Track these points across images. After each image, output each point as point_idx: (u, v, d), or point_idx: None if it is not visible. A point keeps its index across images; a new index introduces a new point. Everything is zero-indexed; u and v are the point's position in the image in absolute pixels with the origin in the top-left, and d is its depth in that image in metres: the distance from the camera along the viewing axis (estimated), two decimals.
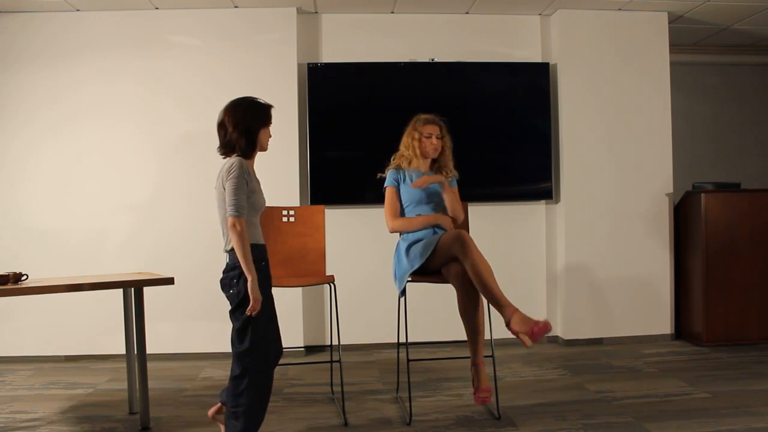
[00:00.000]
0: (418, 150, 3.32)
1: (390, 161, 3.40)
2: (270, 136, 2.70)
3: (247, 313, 2.47)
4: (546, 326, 2.76)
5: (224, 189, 2.51)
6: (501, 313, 2.87)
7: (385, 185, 3.35)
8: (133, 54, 4.49)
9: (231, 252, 2.55)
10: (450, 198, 3.27)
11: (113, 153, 4.49)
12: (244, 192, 2.50)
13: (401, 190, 3.32)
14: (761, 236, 4.54)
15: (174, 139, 4.51)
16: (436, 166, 3.38)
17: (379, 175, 3.39)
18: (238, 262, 2.50)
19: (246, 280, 2.48)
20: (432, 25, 4.76)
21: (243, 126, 2.57)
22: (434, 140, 3.31)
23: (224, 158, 2.64)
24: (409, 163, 3.34)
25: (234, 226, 2.46)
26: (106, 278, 3.16)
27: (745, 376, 3.75)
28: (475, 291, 2.96)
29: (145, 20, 4.50)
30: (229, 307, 2.56)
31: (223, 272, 2.59)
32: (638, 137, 4.73)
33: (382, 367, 4.18)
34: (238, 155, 2.57)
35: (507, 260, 4.69)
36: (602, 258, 4.69)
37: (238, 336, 2.54)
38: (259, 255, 2.57)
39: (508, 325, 2.84)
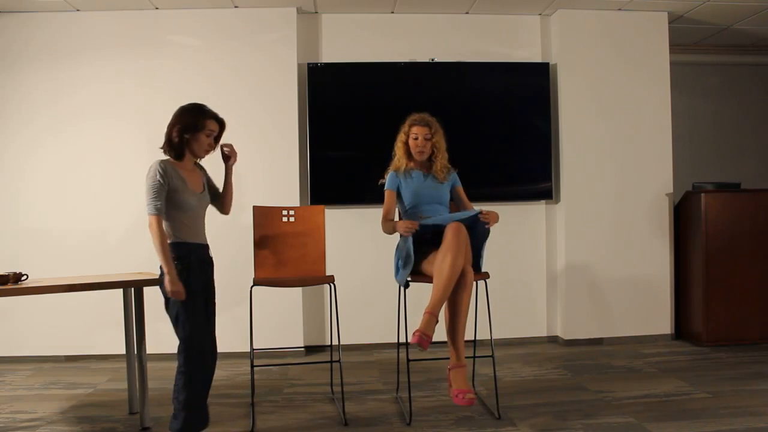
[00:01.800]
0: (403, 151, 3.32)
1: (389, 164, 3.40)
2: (209, 146, 2.75)
3: (169, 294, 2.59)
4: (471, 402, 2.80)
5: None
6: (452, 356, 2.92)
7: (385, 187, 3.34)
8: (133, 54, 4.50)
9: None
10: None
11: (113, 153, 4.49)
12: (158, 191, 2.58)
13: (403, 192, 3.31)
14: (761, 236, 4.54)
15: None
16: (429, 167, 3.35)
17: (380, 181, 3.38)
18: None
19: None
20: (432, 25, 4.76)
21: (172, 129, 2.68)
22: (420, 141, 3.27)
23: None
24: (402, 166, 3.32)
25: (149, 224, 2.58)
26: (106, 278, 3.16)
27: (745, 376, 3.75)
28: (455, 293, 2.93)
29: (145, 20, 4.50)
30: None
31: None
32: (638, 137, 4.73)
33: (382, 367, 4.18)
34: (166, 154, 2.71)
35: (507, 260, 4.70)
36: (602, 258, 4.69)
37: (175, 331, 2.69)
38: (183, 252, 2.66)
39: (449, 370, 2.93)
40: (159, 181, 2.59)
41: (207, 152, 2.77)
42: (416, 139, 3.28)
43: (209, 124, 2.71)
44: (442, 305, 2.89)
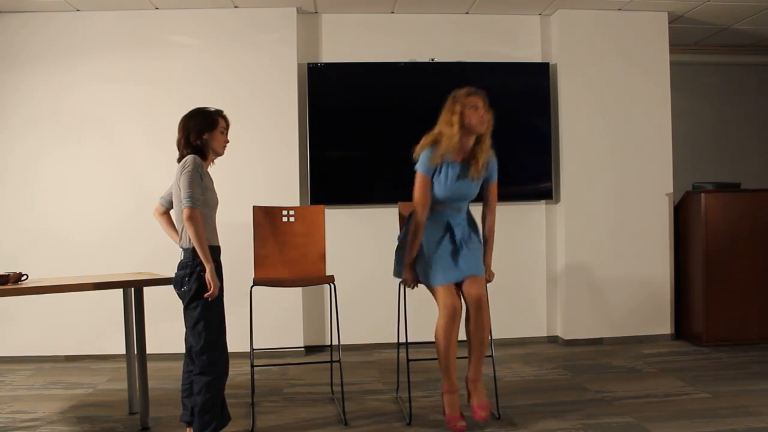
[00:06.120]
0: (458, 126, 2.87)
1: (422, 141, 2.99)
2: (225, 141, 2.80)
3: (206, 296, 2.56)
4: (485, 418, 2.91)
5: (179, 185, 2.61)
6: (471, 370, 3.00)
7: (418, 169, 2.97)
8: (133, 54, 4.50)
9: (186, 250, 2.65)
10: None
11: (113, 153, 4.49)
12: (199, 186, 2.60)
13: (434, 183, 2.98)
14: (761, 236, 4.54)
15: (174, 138, 4.50)
16: (472, 153, 2.97)
17: (414, 155, 3.00)
18: (191, 260, 2.61)
19: (198, 277, 2.59)
20: (432, 25, 4.76)
21: (188, 134, 2.71)
22: (482, 111, 2.87)
23: None
24: (454, 143, 2.90)
25: (190, 216, 2.55)
26: (106, 278, 3.16)
27: (745, 376, 3.75)
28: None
29: (145, 20, 4.50)
30: (182, 305, 2.65)
31: (177, 269, 2.69)
32: (638, 137, 4.73)
33: (382, 367, 4.18)
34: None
35: (507, 260, 4.68)
36: (602, 258, 4.69)
37: (192, 334, 2.63)
38: (214, 255, 2.65)
39: (467, 383, 3.04)
40: (198, 173, 2.61)
41: (225, 148, 2.81)
42: (477, 108, 2.87)
43: (220, 121, 2.77)
44: (450, 374, 2.96)
